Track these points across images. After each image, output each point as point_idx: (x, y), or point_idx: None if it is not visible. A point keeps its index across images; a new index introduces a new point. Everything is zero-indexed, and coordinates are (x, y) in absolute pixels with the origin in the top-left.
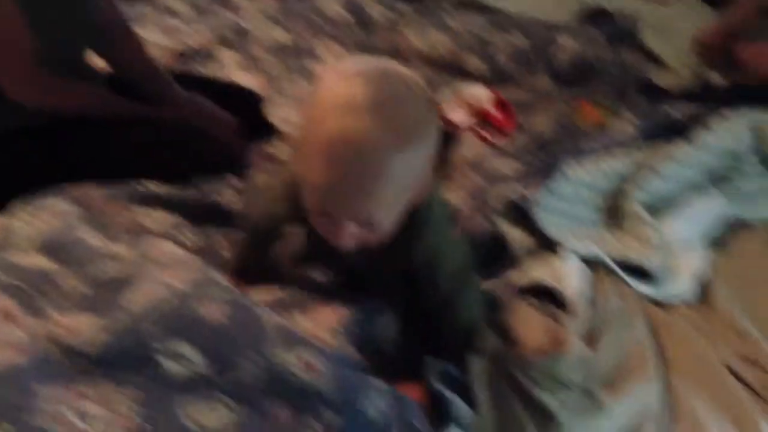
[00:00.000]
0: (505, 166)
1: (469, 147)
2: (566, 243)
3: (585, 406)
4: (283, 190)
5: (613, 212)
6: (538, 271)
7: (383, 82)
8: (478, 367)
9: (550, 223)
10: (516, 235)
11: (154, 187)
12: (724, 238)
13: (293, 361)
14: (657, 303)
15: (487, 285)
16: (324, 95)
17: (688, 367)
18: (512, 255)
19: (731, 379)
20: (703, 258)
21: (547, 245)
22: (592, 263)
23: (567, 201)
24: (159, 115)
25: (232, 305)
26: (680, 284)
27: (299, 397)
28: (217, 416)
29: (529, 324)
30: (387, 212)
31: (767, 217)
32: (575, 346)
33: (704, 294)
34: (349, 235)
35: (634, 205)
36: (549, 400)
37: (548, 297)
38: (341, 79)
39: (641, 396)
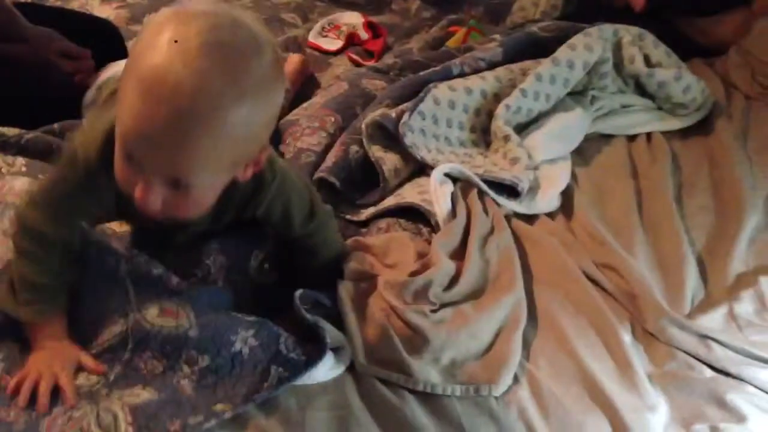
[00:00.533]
0: (375, 87)
1: (341, 70)
2: (435, 163)
3: (453, 323)
4: (102, 135)
5: (481, 131)
6: (409, 193)
7: (227, 27)
8: (344, 293)
9: (419, 144)
10: (387, 158)
11: (5, 130)
12: (586, 150)
13: (154, 312)
14: (522, 215)
15: (361, 210)
16: (154, 28)
17: (549, 275)
18: (384, 178)
19: (590, 285)
20: (567, 171)
21: (417, 166)
22: (460, 182)
23: (436, 122)
24: (2, 52)
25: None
26: (546, 198)
27: (164, 344)
28: (85, 377)
29: (400, 246)
30: (204, 175)
31: (625, 130)
32: (444, 264)
33: (567, 205)
34: (156, 196)
35: (501, 123)
36: (418, 320)
37: (420, 218)
38: (178, 14)
39: (506, 307)
